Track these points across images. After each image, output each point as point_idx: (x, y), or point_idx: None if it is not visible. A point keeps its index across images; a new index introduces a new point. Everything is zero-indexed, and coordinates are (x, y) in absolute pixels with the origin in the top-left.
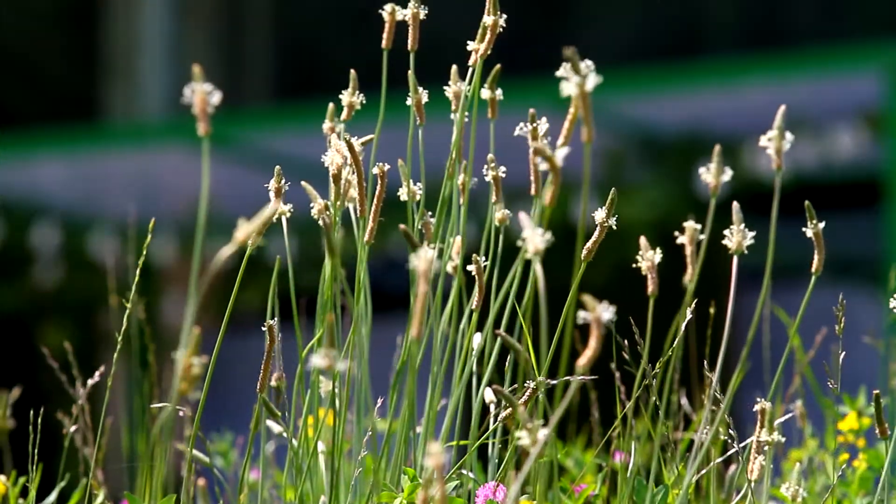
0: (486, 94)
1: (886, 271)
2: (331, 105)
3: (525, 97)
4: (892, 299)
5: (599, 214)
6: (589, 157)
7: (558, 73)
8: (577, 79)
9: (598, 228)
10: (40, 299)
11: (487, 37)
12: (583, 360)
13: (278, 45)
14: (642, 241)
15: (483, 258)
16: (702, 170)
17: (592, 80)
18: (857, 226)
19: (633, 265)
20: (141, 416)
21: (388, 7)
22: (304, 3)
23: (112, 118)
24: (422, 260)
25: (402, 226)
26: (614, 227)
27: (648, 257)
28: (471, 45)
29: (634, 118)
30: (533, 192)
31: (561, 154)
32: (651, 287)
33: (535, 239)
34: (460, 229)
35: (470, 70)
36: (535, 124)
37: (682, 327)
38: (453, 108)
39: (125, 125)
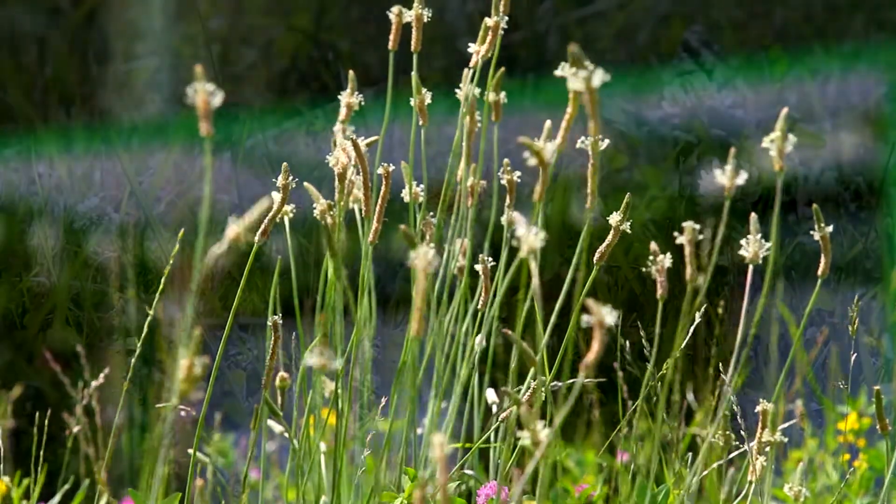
0: (491, 97)
1: (886, 271)
2: (344, 107)
3: (524, 97)
4: None
5: (615, 217)
6: (598, 154)
7: (557, 73)
8: (583, 74)
9: (612, 231)
10: (40, 299)
11: (489, 38)
12: (586, 364)
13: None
14: (653, 245)
15: (489, 259)
16: (717, 171)
17: (599, 76)
18: (857, 226)
19: (631, 264)
20: (143, 416)
21: (394, 9)
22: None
23: (112, 118)
24: (420, 257)
25: (402, 226)
26: (628, 231)
27: (659, 261)
28: (472, 47)
29: (634, 117)
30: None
31: (550, 148)
32: (660, 290)
33: (529, 238)
34: (467, 232)
35: (470, 71)
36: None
37: (688, 328)
38: (462, 110)
39: (125, 125)
